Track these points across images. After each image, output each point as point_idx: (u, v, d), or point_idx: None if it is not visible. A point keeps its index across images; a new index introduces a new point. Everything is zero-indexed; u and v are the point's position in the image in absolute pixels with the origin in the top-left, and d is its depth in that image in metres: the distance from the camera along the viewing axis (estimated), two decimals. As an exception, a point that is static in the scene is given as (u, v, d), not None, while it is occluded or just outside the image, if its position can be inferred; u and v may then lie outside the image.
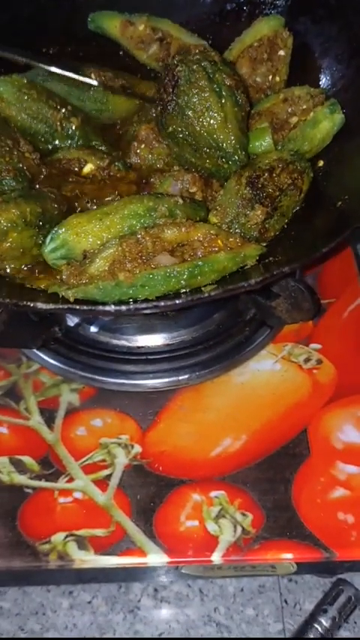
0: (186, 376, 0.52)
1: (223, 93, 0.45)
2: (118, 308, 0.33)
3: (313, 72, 0.55)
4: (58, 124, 0.48)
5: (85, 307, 0.33)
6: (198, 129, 0.45)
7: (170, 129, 0.46)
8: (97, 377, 0.52)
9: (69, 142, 0.49)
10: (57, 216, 0.43)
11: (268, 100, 0.52)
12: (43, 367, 0.53)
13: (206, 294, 0.34)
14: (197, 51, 0.46)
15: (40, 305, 0.32)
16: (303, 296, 0.49)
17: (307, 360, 0.54)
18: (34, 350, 0.53)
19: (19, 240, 0.41)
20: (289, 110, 0.51)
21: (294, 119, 0.51)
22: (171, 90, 0.45)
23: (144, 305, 0.33)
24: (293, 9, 0.56)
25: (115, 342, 0.54)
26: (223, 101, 0.45)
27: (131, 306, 0.33)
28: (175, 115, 0.46)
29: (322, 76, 0.54)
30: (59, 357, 0.53)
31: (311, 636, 0.52)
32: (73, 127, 0.49)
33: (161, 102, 0.46)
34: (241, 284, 0.34)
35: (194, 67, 0.45)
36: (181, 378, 0.52)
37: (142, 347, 0.54)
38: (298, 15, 0.56)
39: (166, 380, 0.52)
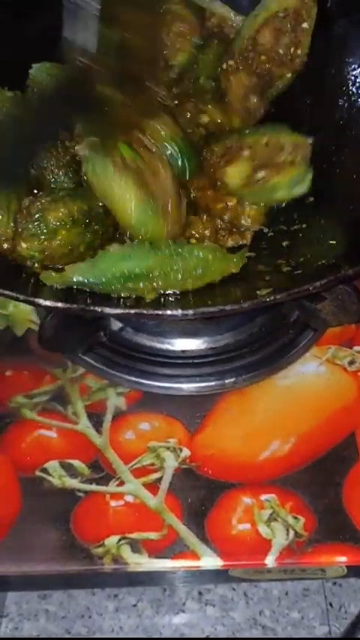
0: (232, 379, 0.52)
1: None
2: (185, 312, 0.33)
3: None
4: None
5: (152, 312, 0.33)
6: None
7: None
8: (142, 381, 0.52)
9: None
10: (101, 213, 0.44)
11: (253, 134, 0.50)
12: (88, 371, 0.53)
13: (271, 298, 0.34)
14: None
15: (108, 310, 0.33)
16: (350, 298, 0.49)
17: (351, 362, 0.54)
18: (80, 355, 0.53)
19: (67, 238, 0.42)
20: (268, 157, 0.49)
21: (265, 173, 0.49)
22: None
23: (210, 309, 0.33)
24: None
25: (158, 346, 0.54)
26: None
27: (198, 311, 0.33)
28: None
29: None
30: (104, 361, 0.53)
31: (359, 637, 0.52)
32: None
33: None
34: (306, 287, 0.34)
35: None
36: (227, 381, 0.52)
37: (186, 351, 0.54)
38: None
39: (212, 383, 0.52)
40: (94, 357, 0.53)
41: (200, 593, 0.55)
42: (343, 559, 0.44)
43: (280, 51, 0.54)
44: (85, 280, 0.39)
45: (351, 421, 0.51)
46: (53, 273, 0.39)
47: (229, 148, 0.50)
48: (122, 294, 0.37)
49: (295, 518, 0.46)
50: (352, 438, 0.50)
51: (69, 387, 0.53)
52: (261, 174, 0.48)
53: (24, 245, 0.41)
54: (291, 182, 0.48)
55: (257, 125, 0.53)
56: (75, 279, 0.39)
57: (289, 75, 0.55)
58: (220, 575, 0.51)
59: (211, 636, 0.54)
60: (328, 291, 0.47)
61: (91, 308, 0.33)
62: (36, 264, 0.41)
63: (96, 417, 0.51)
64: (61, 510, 0.46)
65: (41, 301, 0.33)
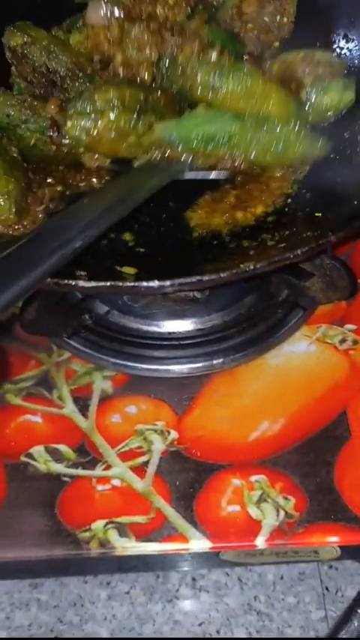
0: (220, 360, 0.51)
1: None
2: (161, 284, 0.32)
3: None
4: None
5: (128, 284, 0.32)
6: None
7: None
8: (129, 363, 0.51)
9: None
10: (163, 108, 0.44)
11: (288, 54, 0.51)
12: (74, 356, 0.52)
13: (251, 267, 0.33)
14: None
15: (82, 283, 0.32)
16: (339, 273, 0.48)
17: (342, 341, 0.53)
18: (65, 338, 0.52)
19: (116, 122, 0.42)
20: (306, 70, 0.50)
21: (308, 79, 0.49)
22: None
23: (187, 280, 0.32)
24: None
25: (145, 328, 0.53)
26: None
27: (176, 281, 0.32)
28: None
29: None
30: (90, 344, 0.52)
31: (356, 623, 0.51)
32: None
33: None
34: (287, 255, 0.33)
35: None
36: (215, 362, 0.51)
37: (173, 332, 0.53)
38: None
39: (200, 365, 0.51)
40: (80, 341, 0.52)
41: (194, 579, 0.55)
42: (335, 539, 0.43)
43: (266, 19, 0.53)
44: (171, 136, 0.42)
45: (342, 400, 0.50)
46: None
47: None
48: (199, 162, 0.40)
49: (286, 498, 0.45)
50: (344, 416, 0.49)
51: (54, 372, 0.52)
52: (308, 79, 0.48)
53: (69, 124, 0.42)
54: (343, 85, 0.48)
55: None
56: (161, 134, 0.42)
57: (276, 44, 0.54)
58: (212, 560, 0.51)
59: (205, 623, 0.53)
60: (313, 264, 0.45)
61: (64, 282, 0.32)
62: (81, 150, 0.42)
63: (82, 401, 0.50)
64: (46, 495, 0.45)
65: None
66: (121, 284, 0.32)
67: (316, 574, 0.55)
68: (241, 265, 0.34)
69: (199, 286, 0.32)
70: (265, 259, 0.33)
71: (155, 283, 0.32)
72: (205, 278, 0.32)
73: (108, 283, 0.32)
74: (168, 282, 0.32)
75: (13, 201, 0.42)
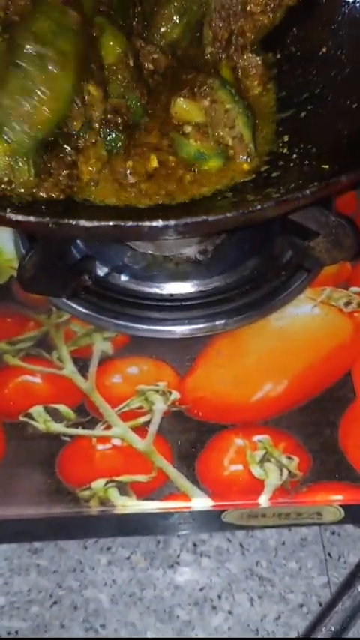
0: (222, 321, 0.50)
1: None
2: (166, 223, 0.31)
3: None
4: None
5: (130, 223, 0.31)
6: None
7: None
8: (130, 324, 0.50)
9: None
10: None
11: (227, 94, 0.45)
12: (74, 317, 0.51)
13: (258, 207, 0.32)
14: None
15: (84, 223, 0.31)
16: (345, 231, 0.47)
17: (347, 303, 0.52)
18: (64, 299, 0.51)
19: None
20: (213, 120, 0.45)
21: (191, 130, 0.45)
22: None
23: (193, 220, 0.31)
24: None
25: (146, 290, 0.52)
26: None
27: (181, 221, 0.31)
28: None
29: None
30: (90, 306, 0.51)
31: (359, 588, 0.51)
32: None
33: None
34: (296, 194, 0.32)
35: None
36: (217, 323, 0.50)
37: (175, 294, 0.52)
38: None
39: (202, 326, 0.50)
40: (80, 302, 0.51)
41: (195, 545, 0.54)
42: (338, 497, 0.43)
43: None
44: None
45: (347, 361, 0.49)
46: None
47: (199, 84, 0.46)
48: None
49: (289, 458, 0.44)
50: (349, 377, 0.48)
51: (54, 333, 0.51)
52: (188, 128, 0.44)
53: None
54: (196, 154, 0.44)
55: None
56: None
57: (278, 14, 0.52)
58: (214, 522, 0.50)
59: (206, 588, 0.52)
60: (319, 222, 0.45)
61: (66, 221, 0.31)
62: None
63: (82, 362, 0.49)
64: (46, 454, 0.45)
65: (10, 215, 0.31)
66: (123, 223, 0.31)
67: (319, 540, 0.54)
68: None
69: (205, 229, 0.30)
70: (273, 199, 0.32)
71: (159, 223, 0.31)
72: (211, 218, 0.31)
73: (111, 223, 0.31)
74: (172, 222, 0.31)
75: (32, 162, 0.41)
